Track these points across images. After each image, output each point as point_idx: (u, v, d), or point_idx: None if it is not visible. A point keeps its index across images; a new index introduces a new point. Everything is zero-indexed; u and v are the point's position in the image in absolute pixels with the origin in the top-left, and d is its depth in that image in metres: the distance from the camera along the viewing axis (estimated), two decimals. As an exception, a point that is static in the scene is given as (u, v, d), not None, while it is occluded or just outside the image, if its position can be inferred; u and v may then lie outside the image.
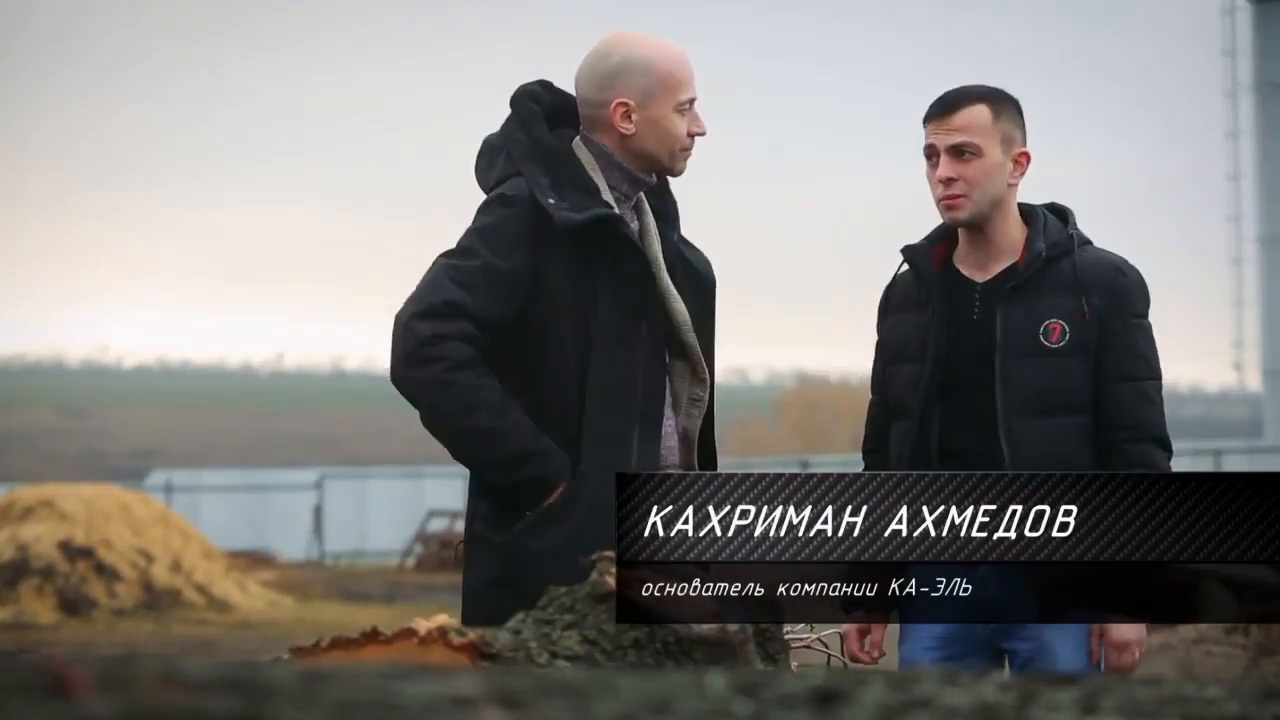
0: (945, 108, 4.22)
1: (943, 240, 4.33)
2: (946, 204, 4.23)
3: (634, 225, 4.21)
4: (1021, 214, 4.30)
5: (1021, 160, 4.25)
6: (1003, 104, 4.24)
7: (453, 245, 4.15)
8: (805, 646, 4.03)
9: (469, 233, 4.14)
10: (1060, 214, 4.33)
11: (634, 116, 4.15)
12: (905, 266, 4.36)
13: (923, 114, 4.30)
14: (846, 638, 4.34)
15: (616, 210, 4.14)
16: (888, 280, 4.42)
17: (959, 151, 4.20)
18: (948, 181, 4.21)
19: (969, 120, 4.21)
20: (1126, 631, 4.13)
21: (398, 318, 4.09)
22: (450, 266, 4.09)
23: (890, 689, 1.63)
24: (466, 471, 4.20)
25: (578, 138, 4.21)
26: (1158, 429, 4.21)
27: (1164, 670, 11.70)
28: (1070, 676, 1.74)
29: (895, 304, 4.37)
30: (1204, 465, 33.16)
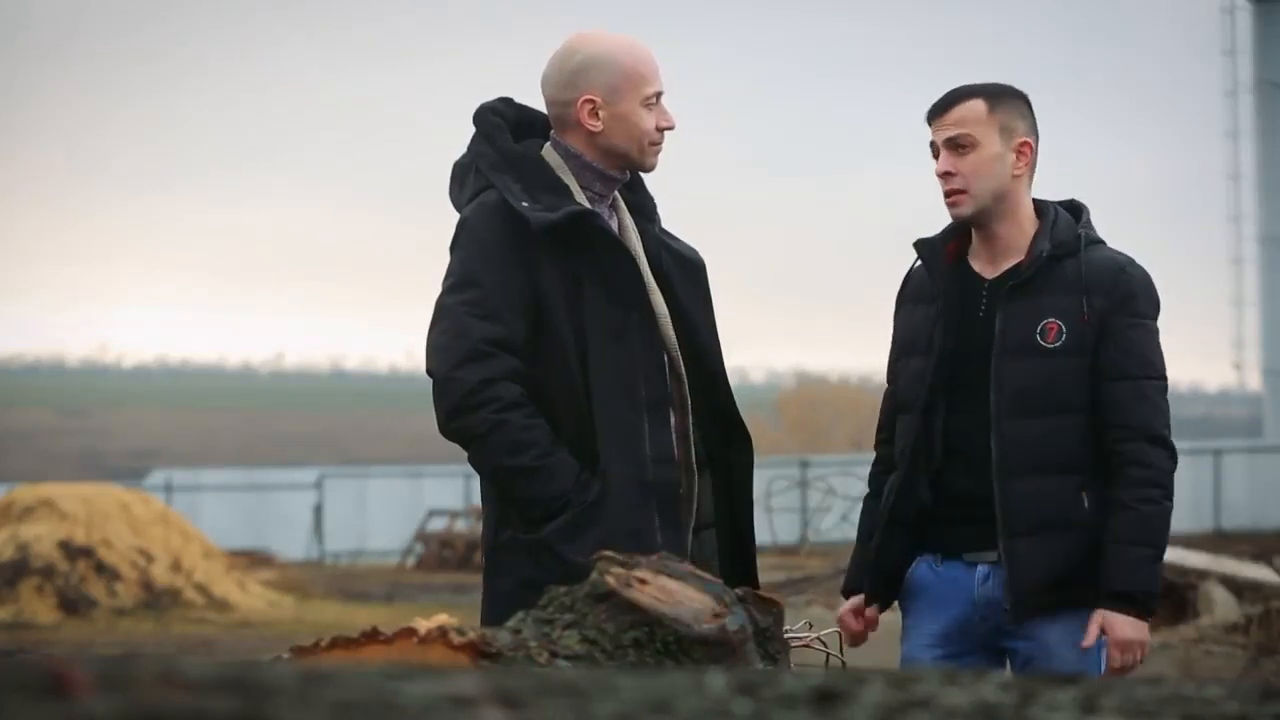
0: (942, 105, 4.26)
1: (956, 235, 4.34)
2: (948, 200, 4.25)
3: (612, 223, 4.23)
4: (1036, 211, 4.30)
5: (1025, 150, 4.25)
6: (1001, 97, 4.25)
7: (446, 279, 4.14)
8: (805, 646, 4.03)
9: (458, 260, 4.13)
10: (1075, 211, 4.33)
11: (601, 113, 4.16)
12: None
13: (919, 112, 4.33)
14: (841, 618, 4.37)
15: (592, 209, 4.16)
16: (905, 272, 4.44)
17: (955, 145, 4.23)
18: (946, 176, 4.23)
19: (963, 114, 4.23)
20: (1128, 629, 4.13)
21: (433, 373, 4.09)
22: (463, 303, 4.08)
23: (890, 688, 1.63)
24: (465, 471, 4.21)
25: (547, 144, 4.22)
26: (1155, 428, 4.19)
27: (1164, 670, 11.70)
28: (1070, 676, 1.74)
29: (909, 296, 4.39)
30: (1204, 465, 33.18)
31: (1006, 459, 4.17)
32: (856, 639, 4.38)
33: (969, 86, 4.29)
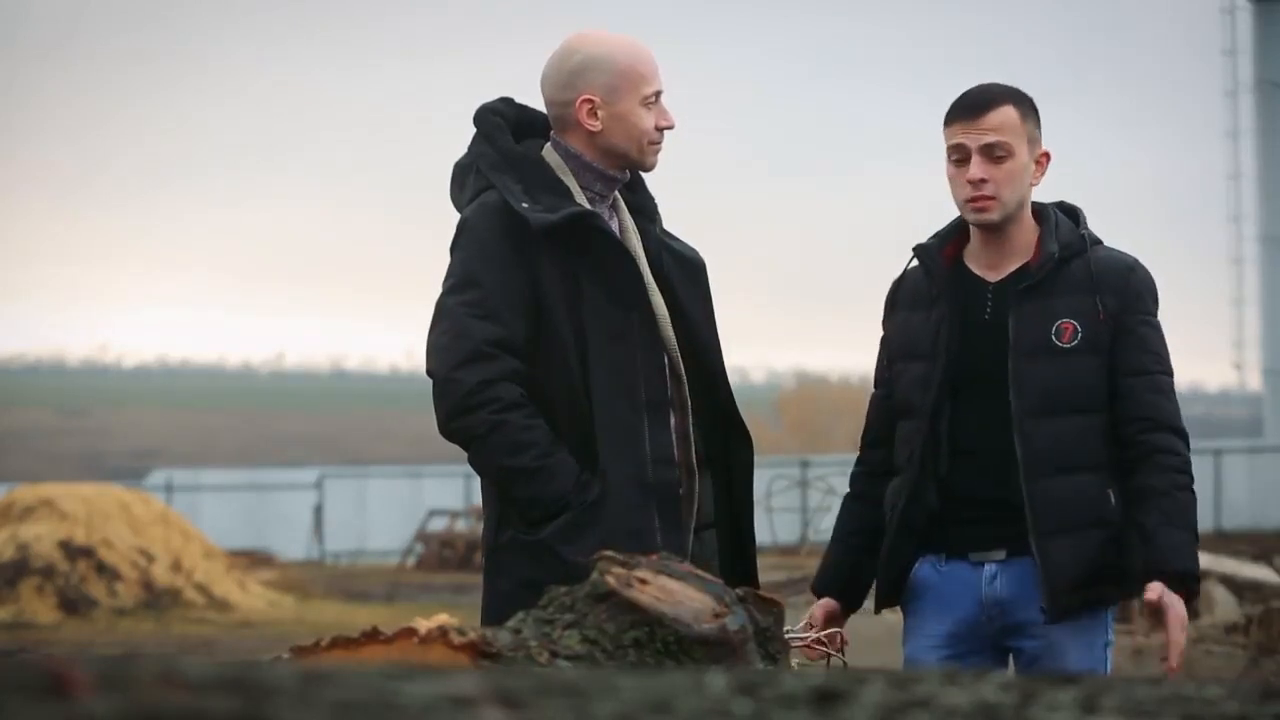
0: (976, 108, 4.19)
1: (953, 238, 4.33)
2: (976, 205, 4.20)
3: (613, 223, 4.23)
4: (1033, 213, 4.30)
5: (1043, 161, 4.26)
6: (1026, 104, 4.25)
7: (447, 279, 4.14)
8: (805, 646, 4.03)
9: (459, 260, 4.13)
10: (1071, 214, 4.33)
11: (600, 113, 4.16)
12: (914, 263, 4.36)
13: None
14: (811, 616, 4.36)
15: (592, 210, 4.16)
16: (896, 276, 4.43)
17: (992, 152, 4.18)
18: (979, 183, 4.18)
19: (1001, 120, 4.18)
20: (1183, 608, 4.09)
21: (433, 374, 4.09)
22: (464, 304, 4.08)
23: (890, 688, 1.63)
24: (465, 471, 4.22)
25: (547, 145, 4.22)
26: (1173, 419, 4.22)
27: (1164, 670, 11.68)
28: (1070, 676, 1.74)
29: (903, 300, 4.37)
30: (1204, 465, 33.20)
31: (1032, 460, 4.16)
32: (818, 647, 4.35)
33: (998, 89, 4.23)
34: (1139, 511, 4.13)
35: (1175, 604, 4.10)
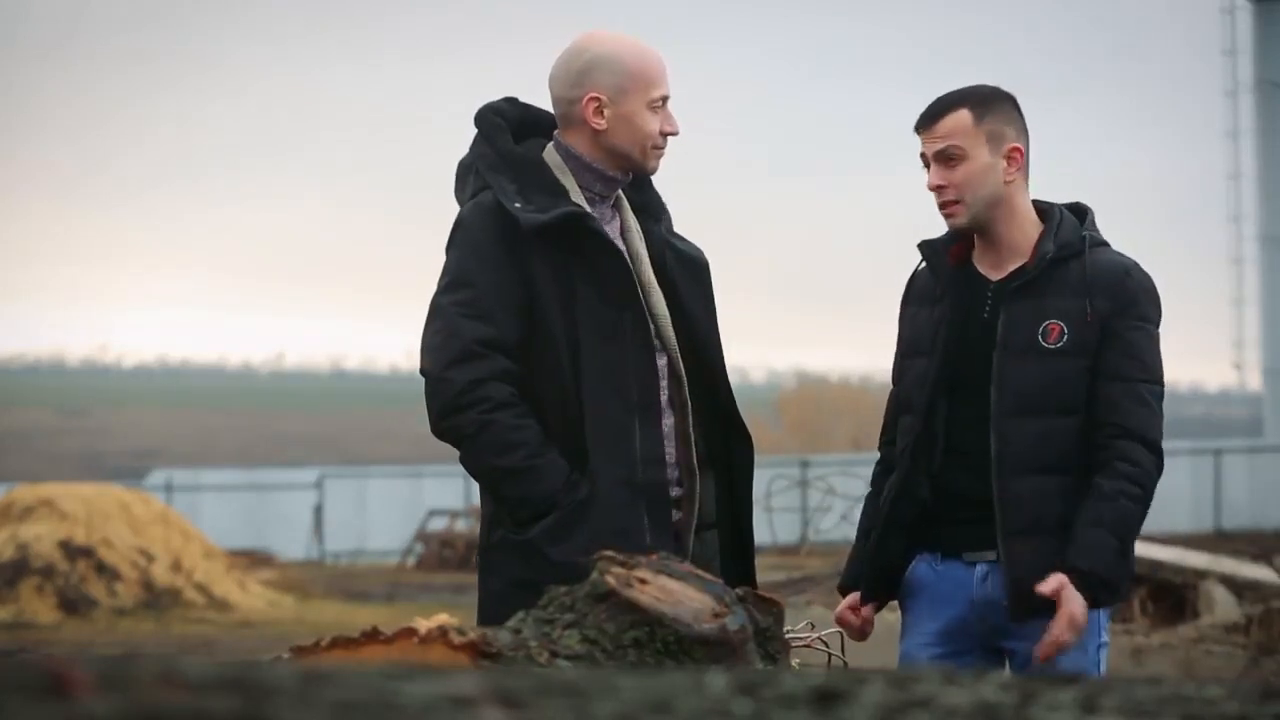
0: (929, 117, 4.27)
1: (961, 237, 4.34)
2: (943, 211, 4.27)
3: (614, 223, 4.23)
4: (1040, 213, 4.30)
5: (1015, 156, 4.24)
6: (987, 103, 4.24)
7: (441, 279, 4.15)
8: (805, 646, 4.03)
9: (453, 260, 4.15)
10: (1079, 213, 4.33)
11: (606, 112, 4.16)
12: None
13: (918, 113, 4.32)
14: (839, 617, 4.37)
15: (587, 210, 4.15)
16: (909, 273, 4.45)
17: (945, 158, 4.23)
18: (938, 189, 4.24)
19: (951, 126, 4.23)
20: (1080, 606, 4.06)
21: (426, 373, 4.10)
22: (456, 304, 4.09)
23: (890, 688, 1.63)
24: (465, 471, 4.22)
25: (550, 145, 4.22)
26: (1147, 430, 4.18)
27: (1164, 670, 11.69)
28: (1070, 676, 1.74)
29: (913, 298, 4.40)
30: (1204, 465, 33.19)
31: (1005, 458, 4.17)
32: (855, 636, 4.37)
33: (954, 95, 4.27)
34: (1083, 506, 4.12)
35: (1070, 601, 4.06)
